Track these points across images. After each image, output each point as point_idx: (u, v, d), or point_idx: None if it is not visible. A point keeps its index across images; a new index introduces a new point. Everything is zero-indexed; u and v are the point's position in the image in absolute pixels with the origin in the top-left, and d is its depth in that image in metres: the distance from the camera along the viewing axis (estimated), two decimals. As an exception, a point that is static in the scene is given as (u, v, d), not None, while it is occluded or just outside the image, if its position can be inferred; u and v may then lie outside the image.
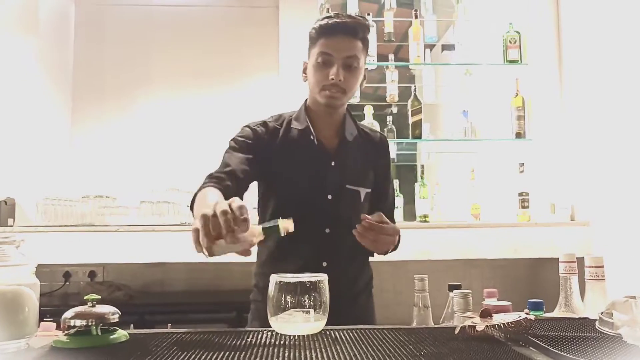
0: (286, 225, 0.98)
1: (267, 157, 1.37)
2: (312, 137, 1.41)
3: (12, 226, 2.52)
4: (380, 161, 1.51)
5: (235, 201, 0.94)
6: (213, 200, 1.07)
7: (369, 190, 1.45)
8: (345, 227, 1.27)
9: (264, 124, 1.44)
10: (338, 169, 1.41)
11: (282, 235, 0.98)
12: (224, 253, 0.94)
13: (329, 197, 1.39)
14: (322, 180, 1.40)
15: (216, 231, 0.91)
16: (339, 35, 1.35)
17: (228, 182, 1.27)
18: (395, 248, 1.36)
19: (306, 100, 1.48)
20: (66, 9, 3.31)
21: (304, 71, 1.44)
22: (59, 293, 2.62)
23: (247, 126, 1.43)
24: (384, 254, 1.36)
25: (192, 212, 1.23)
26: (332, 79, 1.33)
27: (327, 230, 1.38)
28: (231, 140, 1.41)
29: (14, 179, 2.68)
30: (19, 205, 2.63)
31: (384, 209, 1.35)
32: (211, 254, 0.92)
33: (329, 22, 1.36)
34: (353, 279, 1.44)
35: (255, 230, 0.97)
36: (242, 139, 1.39)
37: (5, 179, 2.66)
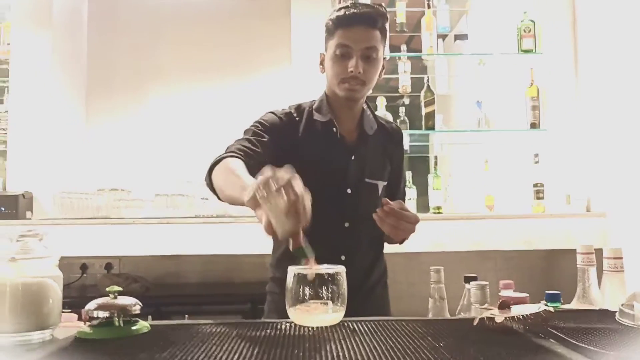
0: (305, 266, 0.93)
1: (288, 148, 1.32)
2: (334, 130, 1.39)
3: (30, 219, 2.56)
4: (395, 152, 1.50)
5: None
6: (244, 171, 1.07)
7: (386, 182, 1.45)
8: (364, 220, 1.24)
9: (289, 114, 1.40)
10: (358, 162, 1.40)
11: (302, 263, 0.94)
12: (275, 214, 0.86)
13: (349, 191, 1.38)
14: (342, 174, 1.38)
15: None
16: (357, 26, 1.31)
17: (249, 156, 1.22)
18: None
19: (325, 91, 1.44)
20: (79, 2, 3.32)
21: (321, 63, 1.41)
22: (76, 285, 2.66)
23: (273, 112, 1.40)
24: (401, 243, 1.36)
25: (210, 184, 1.19)
26: (352, 71, 1.31)
27: (347, 225, 1.38)
28: (254, 122, 1.36)
29: (31, 173, 2.72)
30: (36, 199, 2.67)
31: (397, 199, 1.31)
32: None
33: (347, 12, 1.32)
34: (369, 270, 1.44)
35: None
36: (266, 123, 1.36)
37: (23, 173, 2.71)
